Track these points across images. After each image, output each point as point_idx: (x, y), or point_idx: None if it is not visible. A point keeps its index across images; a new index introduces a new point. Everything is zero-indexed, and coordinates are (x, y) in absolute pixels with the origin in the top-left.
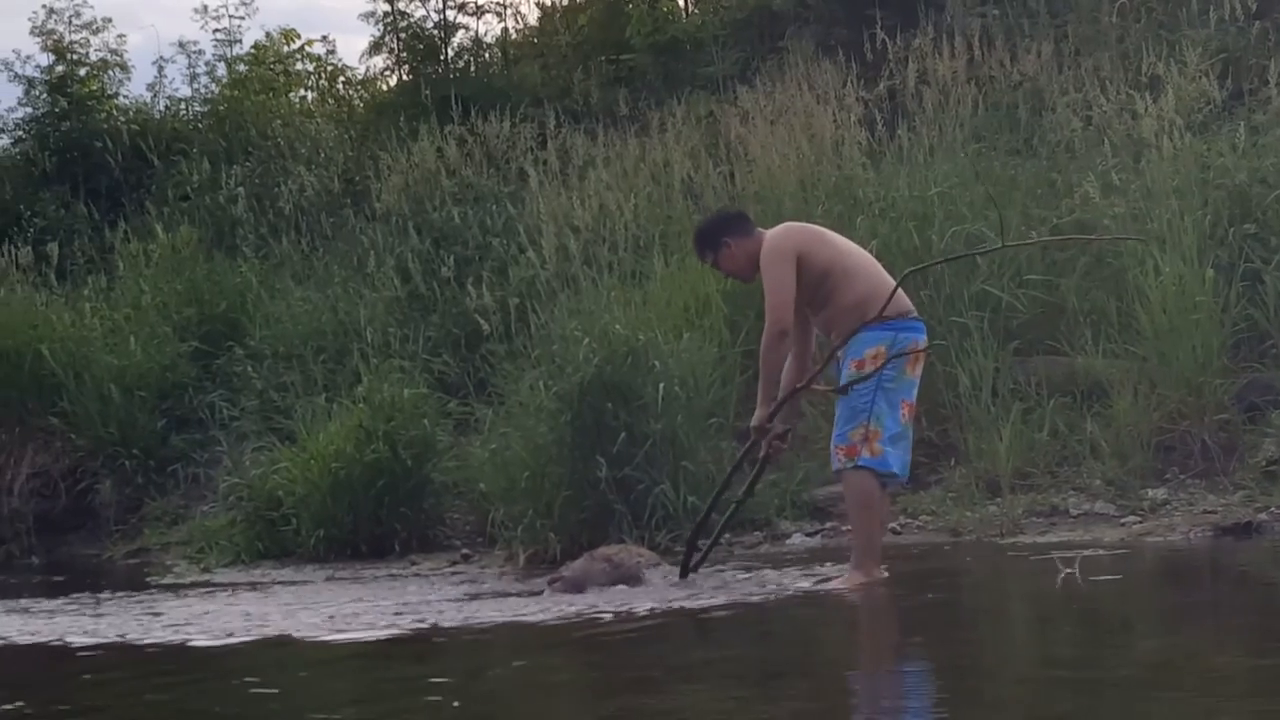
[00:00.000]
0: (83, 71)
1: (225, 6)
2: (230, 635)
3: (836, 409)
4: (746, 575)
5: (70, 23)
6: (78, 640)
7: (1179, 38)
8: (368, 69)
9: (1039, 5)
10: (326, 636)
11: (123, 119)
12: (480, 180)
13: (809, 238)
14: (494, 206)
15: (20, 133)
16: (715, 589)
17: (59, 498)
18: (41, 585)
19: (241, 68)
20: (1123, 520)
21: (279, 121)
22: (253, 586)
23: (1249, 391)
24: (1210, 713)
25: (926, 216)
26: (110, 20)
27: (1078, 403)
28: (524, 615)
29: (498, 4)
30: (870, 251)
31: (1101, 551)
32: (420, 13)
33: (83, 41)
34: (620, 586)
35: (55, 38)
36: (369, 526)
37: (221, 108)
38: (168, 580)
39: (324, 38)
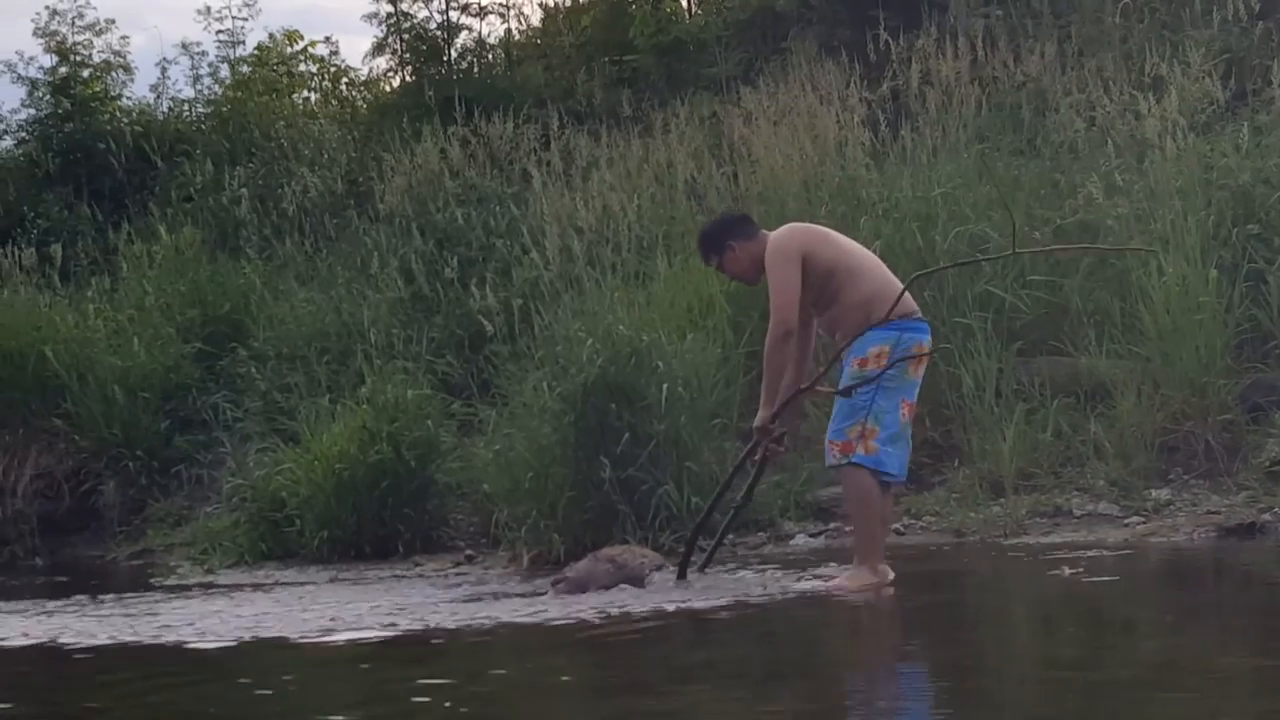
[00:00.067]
0: (86, 73)
1: (228, 8)
2: (232, 637)
3: (835, 405)
4: (750, 576)
5: (73, 24)
6: (78, 642)
7: (1182, 38)
8: (371, 70)
9: (1042, 6)
10: (329, 638)
11: (126, 120)
12: (484, 181)
13: (813, 238)
14: (497, 207)
15: (23, 134)
16: (718, 590)
17: (63, 499)
18: (44, 586)
19: (245, 69)
20: (1126, 521)
21: (282, 123)
22: (256, 588)
23: (1252, 392)
24: (1214, 713)
25: (930, 217)
26: (113, 21)
27: (1081, 403)
28: (527, 616)
29: (501, 5)
30: (874, 252)
31: (1105, 552)
32: (423, 14)
33: (86, 43)
34: (624, 587)
35: (58, 39)
36: (372, 528)
37: (225, 109)
38: (171, 581)
39: (327, 39)
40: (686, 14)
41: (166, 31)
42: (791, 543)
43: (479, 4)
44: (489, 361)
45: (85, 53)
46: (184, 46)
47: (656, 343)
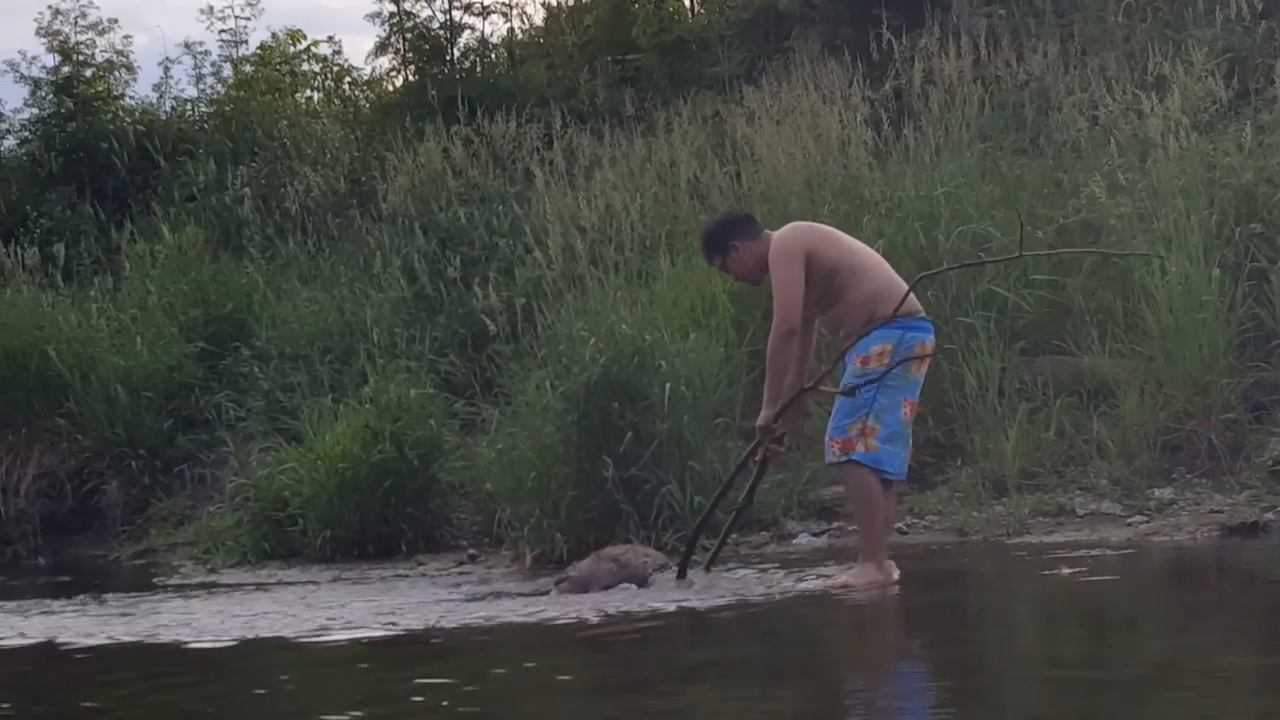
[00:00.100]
0: (88, 72)
1: (231, 7)
2: (233, 636)
3: (836, 402)
4: (752, 575)
5: (76, 24)
6: (76, 641)
7: (1185, 37)
8: (374, 69)
9: (1045, 5)
10: (330, 637)
11: (129, 120)
12: (486, 180)
13: (816, 236)
14: (500, 207)
15: (26, 134)
16: (720, 589)
17: (65, 498)
18: (47, 586)
19: (247, 68)
20: (1129, 520)
21: (285, 122)
22: (259, 587)
23: (1255, 391)
24: (1216, 712)
25: (933, 216)
26: (116, 21)
27: (1084, 402)
28: (530, 615)
29: (503, 4)
30: (877, 251)
31: (1108, 551)
32: (426, 13)
33: (88, 42)
34: (626, 587)
35: (61, 38)
36: (375, 527)
37: (227, 108)
38: (174, 581)
39: (330, 38)
40: (689, 13)
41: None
42: (794, 542)
43: (482, 3)
44: (492, 361)
45: (88, 52)
46: (187, 46)
47: (659, 342)
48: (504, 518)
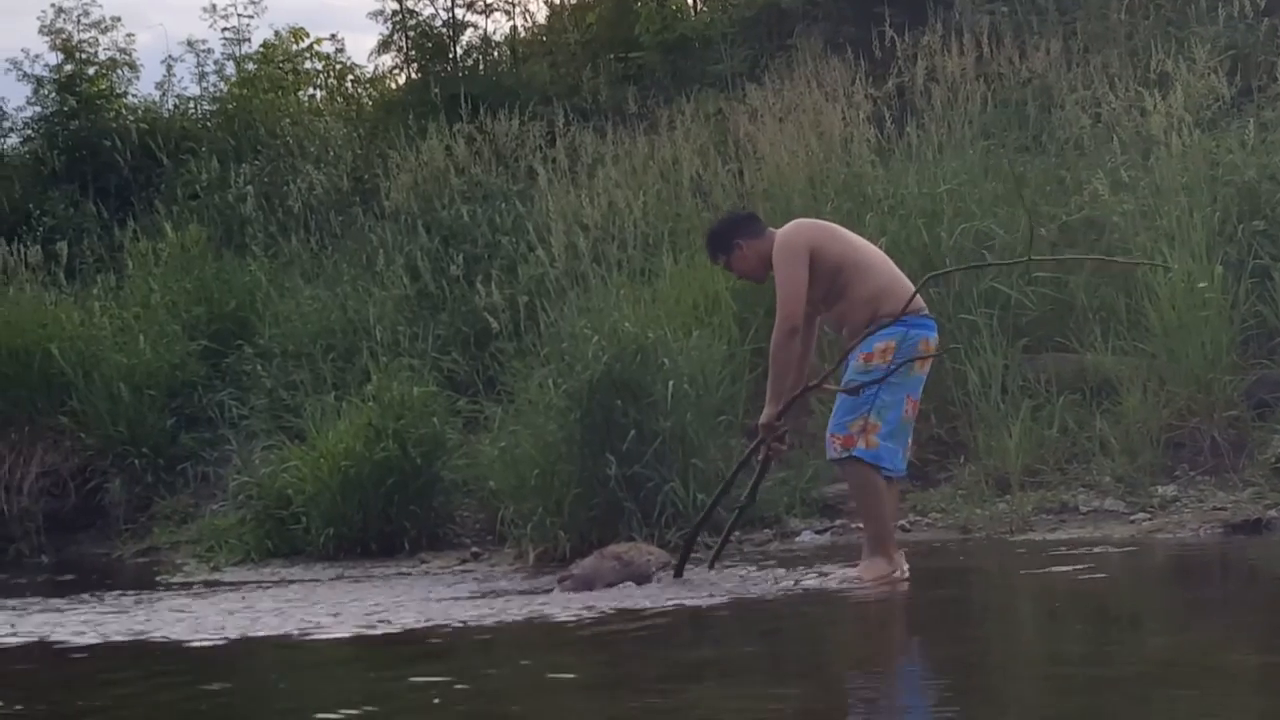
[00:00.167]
0: (91, 70)
1: (234, 5)
2: (236, 634)
3: (838, 398)
4: (755, 573)
5: (79, 22)
6: (78, 640)
7: (1188, 35)
8: (376, 67)
9: (1047, 2)
10: (332, 635)
11: (131, 118)
12: (489, 178)
13: (820, 233)
14: (503, 204)
15: (29, 132)
16: (723, 587)
17: (68, 497)
18: (49, 584)
19: (250, 66)
20: (1132, 517)
21: (288, 120)
22: (262, 585)
23: (1258, 388)
24: (1219, 710)
25: (935, 213)
26: (119, 19)
27: (1087, 400)
28: (533, 614)
29: (506, 2)
30: (879, 249)
31: (1111, 549)
32: (429, 11)
33: (91, 40)
34: (629, 585)
35: (64, 37)
36: (378, 525)
37: (230, 106)
38: (177, 579)
39: (332, 36)
40: (692, 11)
41: (172, 29)
42: (797, 539)
43: (484, 1)
44: (494, 359)
45: (91, 50)
46: (189, 44)
47: (662, 339)
48: (507, 516)
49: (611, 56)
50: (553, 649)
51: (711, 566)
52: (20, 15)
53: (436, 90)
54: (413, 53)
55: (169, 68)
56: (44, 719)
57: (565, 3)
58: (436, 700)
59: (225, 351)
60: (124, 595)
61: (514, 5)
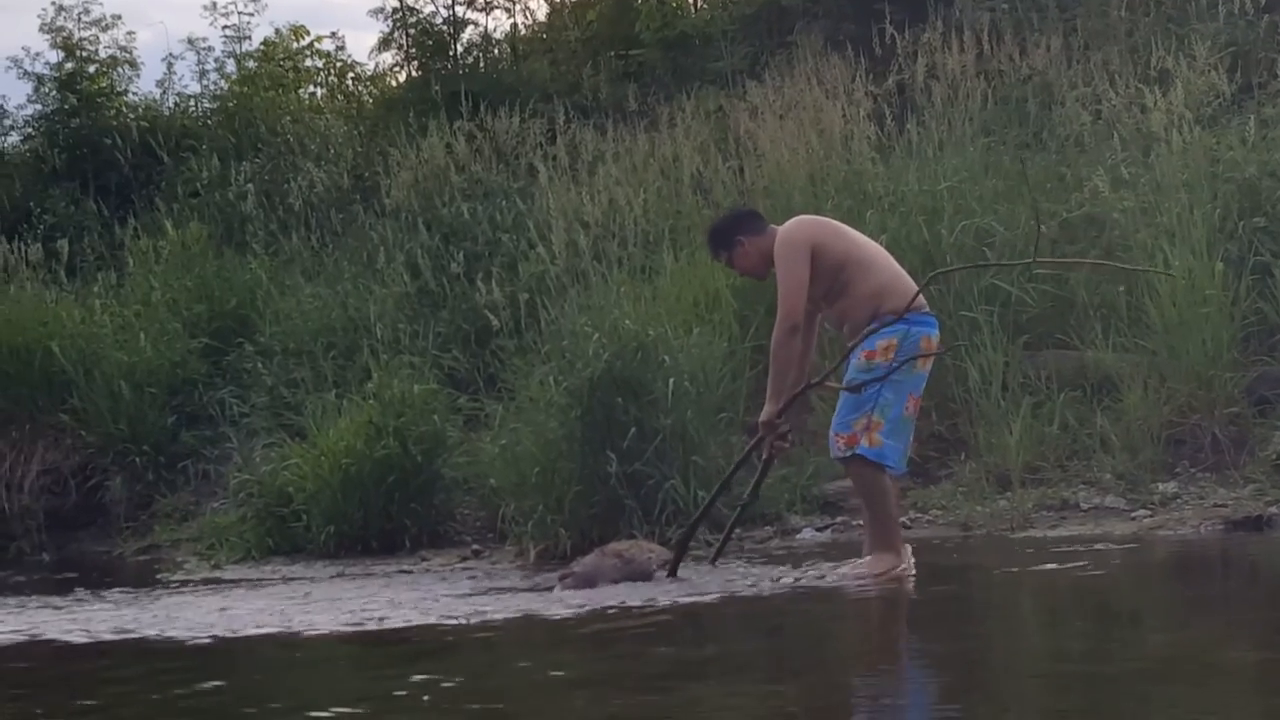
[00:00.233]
0: (92, 68)
1: (234, 3)
2: (236, 632)
3: (840, 396)
4: (757, 570)
5: (79, 20)
6: (79, 638)
7: (1188, 32)
8: (377, 65)
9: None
10: (334, 632)
11: (132, 116)
12: (490, 176)
13: (822, 230)
14: (503, 202)
15: (30, 130)
16: (725, 584)
17: (69, 494)
18: (50, 582)
19: (251, 64)
20: (1133, 514)
21: (288, 118)
22: (263, 583)
23: (1259, 385)
24: (1220, 707)
25: (936, 211)
26: (119, 17)
27: (1088, 396)
28: (534, 611)
29: None
30: (880, 246)
31: (1112, 545)
32: (429, 8)
33: (92, 38)
34: (631, 582)
35: (64, 35)
36: (379, 522)
37: (231, 104)
38: (178, 577)
39: (333, 34)
40: (692, 8)
41: (172, 27)
42: (798, 537)
43: None
44: (495, 356)
45: (91, 48)
46: (190, 42)
47: (663, 337)
48: (507, 513)
49: (612, 54)
50: (554, 647)
51: (713, 563)
52: (21, 13)
53: (437, 88)
54: (413, 50)
55: (169, 65)
56: (43, 718)
57: (566, 0)
58: (436, 698)
59: (226, 349)
60: (125, 593)
61: (514, 2)
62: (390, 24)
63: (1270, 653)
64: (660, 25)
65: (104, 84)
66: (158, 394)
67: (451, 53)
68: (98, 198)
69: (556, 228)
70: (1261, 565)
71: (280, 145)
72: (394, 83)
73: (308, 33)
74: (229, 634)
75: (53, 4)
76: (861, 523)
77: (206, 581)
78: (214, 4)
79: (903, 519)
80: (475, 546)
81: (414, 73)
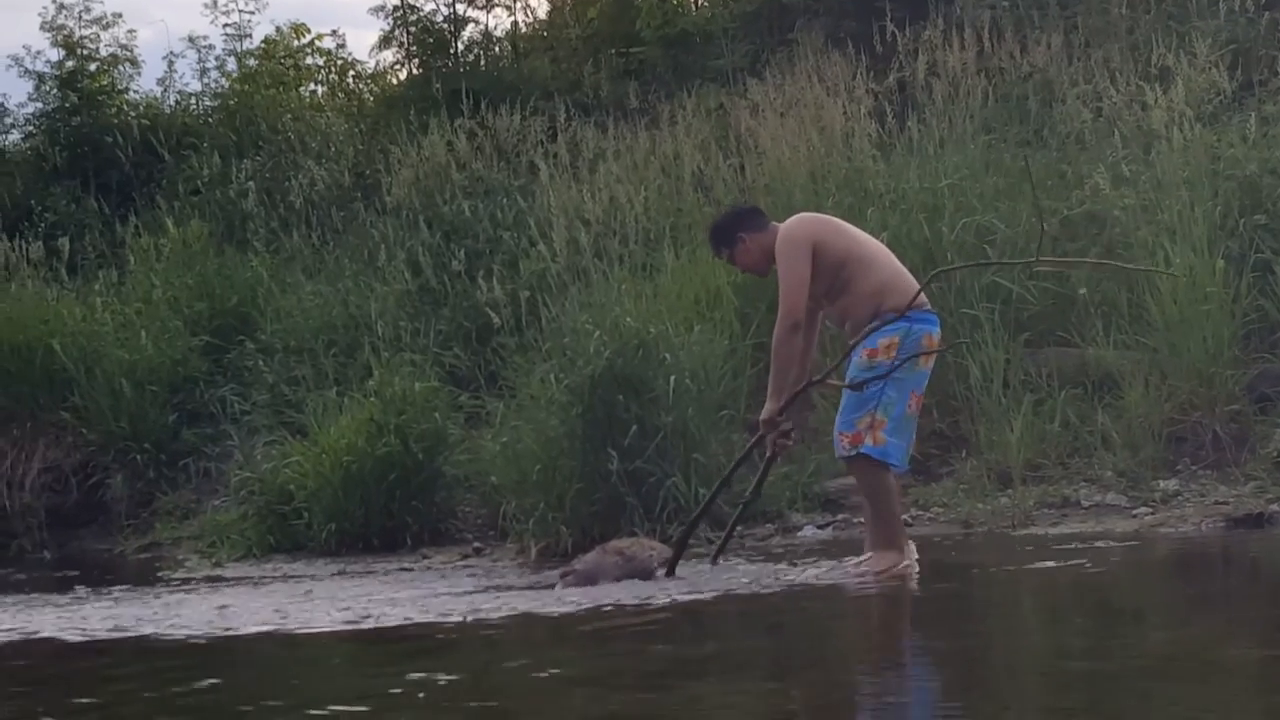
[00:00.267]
0: (93, 67)
1: (235, 1)
2: (235, 629)
3: (844, 396)
4: (758, 567)
5: (80, 18)
6: (78, 636)
7: (1189, 29)
8: (378, 63)
9: None
10: (335, 630)
11: (133, 114)
12: (491, 174)
13: (823, 227)
14: (504, 200)
15: (31, 128)
16: (726, 582)
17: (70, 492)
18: (51, 580)
19: (251, 62)
20: (1134, 512)
21: (289, 116)
22: (263, 581)
23: (1260, 382)
24: (1221, 704)
25: (937, 208)
26: (120, 15)
27: (1089, 394)
28: (535, 608)
29: None
30: (881, 243)
31: (1113, 543)
32: (430, 7)
33: (93, 37)
34: (632, 580)
35: (65, 33)
36: (380, 520)
37: (232, 102)
38: (179, 575)
39: (334, 32)
40: (693, 6)
41: (173, 25)
42: (799, 534)
43: None
44: (496, 354)
45: (92, 46)
46: (191, 40)
47: (664, 334)
48: (509, 511)
49: (613, 51)
50: (555, 644)
51: (715, 561)
52: (22, 11)
53: (438, 86)
54: (414, 48)
55: (170, 64)
56: (42, 716)
57: None
58: (435, 696)
59: (227, 347)
60: (125, 591)
61: (515, 0)
62: (391, 22)
63: (1271, 650)
64: (661, 23)
65: (105, 82)
66: (159, 392)
67: (452, 50)
68: (99, 196)
69: (557, 225)
70: (1262, 563)
71: (281, 143)
72: (395, 80)
73: (308, 31)
74: (228, 632)
75: (54, 2)
76: (862, 520)
77: (207, 579)
78: (215, 2)
79: (904, 516)
80: (476, 544)
81: (415, 70)
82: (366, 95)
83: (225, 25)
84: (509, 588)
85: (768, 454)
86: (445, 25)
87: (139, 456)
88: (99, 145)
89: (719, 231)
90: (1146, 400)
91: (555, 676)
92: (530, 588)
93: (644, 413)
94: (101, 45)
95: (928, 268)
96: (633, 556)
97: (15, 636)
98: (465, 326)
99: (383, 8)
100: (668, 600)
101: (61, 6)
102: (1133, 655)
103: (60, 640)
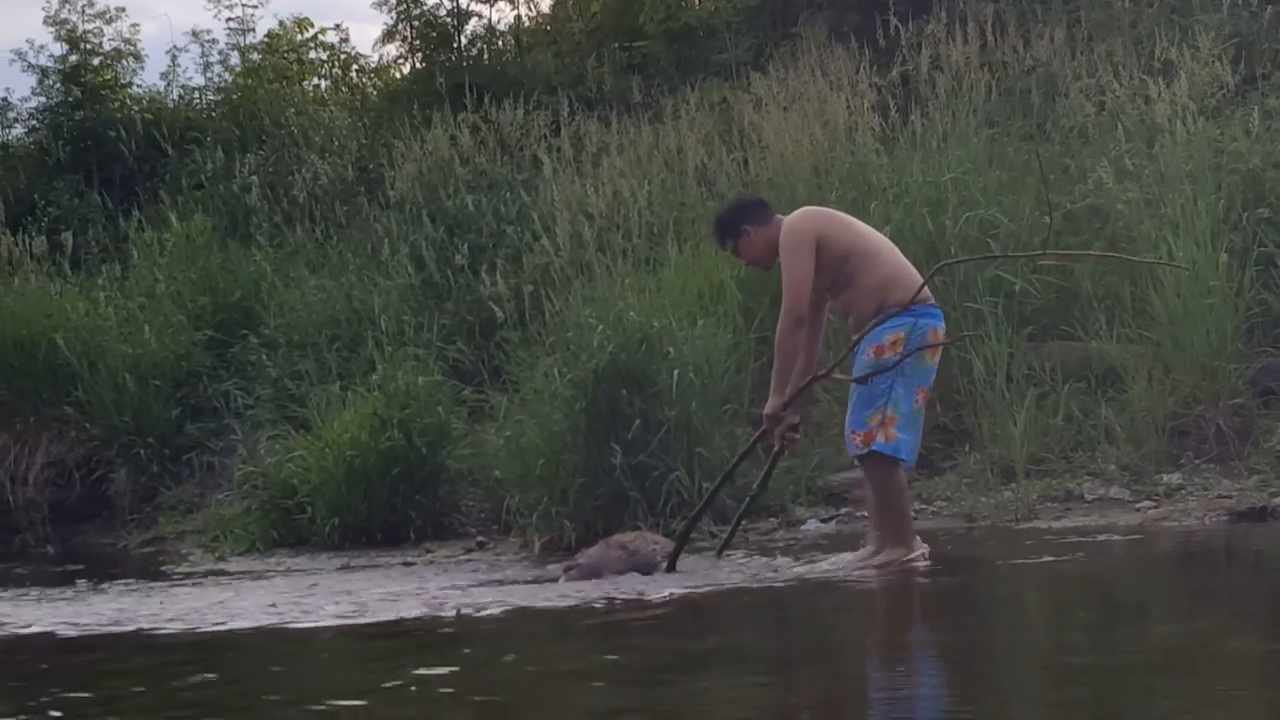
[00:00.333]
0: (96, 61)
1: None
2: (236, 624)
3: (852, 394)
4: (762, 561)
5: (83, 12)
6: (79, 631)
7: (1191, 23)
8: (381, 57)
9: None
10: (337, 624)
11: (136, 108)
12: (494, 168)
13: (827, 221)
14: (508, 194)
15: (34, 122)
16: (729, 576)
17: (74, 487)
18: (53, 575)
19: (255, 56)
20: (1137, 505)
21: (293, 110)
22: (267, 575)
23: (1263, 376)
24: (1225, 698)
25: (940, 202)
26: (123, 9)
27: (1092, 388)
28: (538, 603)
29: None
30: (885, 237)
31: (1116, 537)
32: (433, 1)
33: (96, 31)
34: (635, 574)
35: (69, 27)
36: (384, 514)
37: (235, 96)
38: (182, 569)
39: (337, 26)
40: (696, 0)
41: (176, 19)
42: (803, 528)
43: None
44: (500, 348)
45: (95, 41)
46: (194, 34)
47: (667, 329)
48: (512, 505)
49: (616, 45)
50: (558, 638)
51: (720, 555)
52: (25, 6)
53: (441, 80)
54: (417, 42)
55: (173, 58)
56: (43, 711)
57: None
58: (436, 691)
59: (230, 341)
60: (128, 585)
61: None
62: (394, 16)
63: (1275, 644)
64: (664, 17)
65: (108, 76)
66: (162, 386)
67: (455, 45)
68: (102, 190)
69: (561, 219)
70: (1266, 556)
71: (284, 137)
72: (398, 75)
73: (311, 25)
74: (230, 626)
75: None
76: (866, 514)
77: (211, 574)
78: None
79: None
80: (480, 538)
81: (418, 65)
82: (370, 89)
83: (228, 19)
84: (513, 581)
85: (775, 449)
86: (448, 19)
87: (142, 451)
88: (102, 140)
89: (724, 223)
90: (1150, 394)
91: (559, 670)
92: (534, 582)
93: (647, 407)
94: (105, 39)
95: (931, 262)
96: (636, 550)
97: (15, 631)
98: (468, 321)
99: (386, 2)
100: (670, 594)
101: (65, 1)
102: (1136, 649)
103: (61, 634)
